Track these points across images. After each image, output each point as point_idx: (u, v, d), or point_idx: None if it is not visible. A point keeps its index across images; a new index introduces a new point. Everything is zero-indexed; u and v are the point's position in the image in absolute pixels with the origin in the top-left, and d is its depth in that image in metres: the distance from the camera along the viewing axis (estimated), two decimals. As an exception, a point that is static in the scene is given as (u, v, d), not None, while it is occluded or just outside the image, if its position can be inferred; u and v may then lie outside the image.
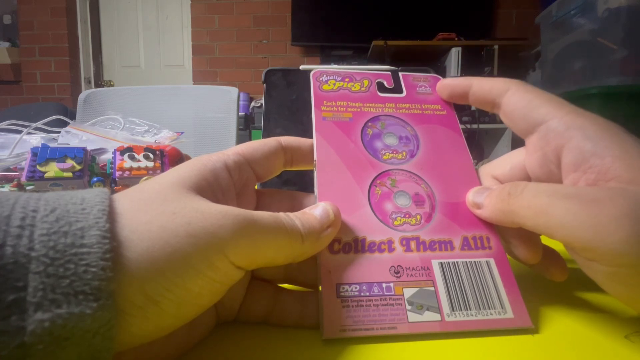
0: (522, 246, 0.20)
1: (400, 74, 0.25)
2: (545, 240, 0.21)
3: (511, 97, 0.22)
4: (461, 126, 0.24)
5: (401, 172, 0.22)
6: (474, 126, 2.02)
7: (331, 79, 0.24)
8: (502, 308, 0.18)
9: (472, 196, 0.21)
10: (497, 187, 0.20)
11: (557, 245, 0.21)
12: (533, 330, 0.18)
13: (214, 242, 0.14)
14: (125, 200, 0.14)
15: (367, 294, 0.18)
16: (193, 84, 2.66)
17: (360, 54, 2.49)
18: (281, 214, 0.17)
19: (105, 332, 0.11)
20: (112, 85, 2.85)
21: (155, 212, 0.14)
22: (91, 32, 2.82)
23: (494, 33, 2.53)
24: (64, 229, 0.11)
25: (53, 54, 2.68)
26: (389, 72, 0.25)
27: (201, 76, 2.73)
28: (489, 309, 0.18)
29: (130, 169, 0.43)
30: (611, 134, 0.18)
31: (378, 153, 0.22)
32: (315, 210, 0.18)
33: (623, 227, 0.15)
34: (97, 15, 2.87)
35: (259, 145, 0.20)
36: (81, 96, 1.12)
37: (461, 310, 0.18)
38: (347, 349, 0.16)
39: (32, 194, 0.13)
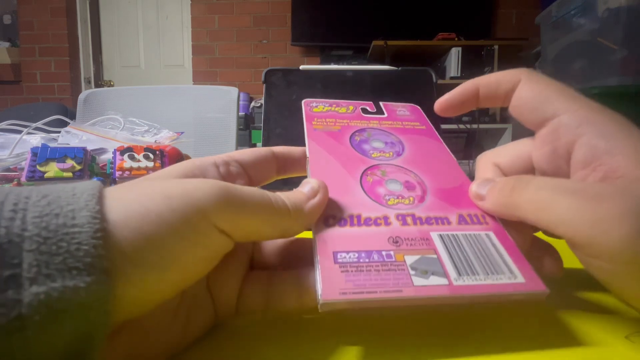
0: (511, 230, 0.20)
1: (380, 103, 0.29)
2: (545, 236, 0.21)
3: (521, 89, 0.21)
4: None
5: (390, 166, 0.23)
6: (474, 126, 2.02)
7: (320, 105, 0.28)
8: (512, 273, 0.17)
9: (475, 187, 0.21)
10: (500, 179, 0.20)
11: (558, 243, 0.21)
12: (547, 294, 0.17)
13: (191, 203, 0.14)
14: (115, 187, 0.15)
15: (367, 260, 0.17)
16: (193, 84, 2.66)
17: (360, 54, 2.49)
18: (267, 192, 0.17)
19: (101, 306, 0.12)
20: (112, 85, 2.85)
21: (138, 187, 0.14)
22: (91, 32, 2.82)
23: (494, 33, 2.53)
24: (55, 211, 0.12)
25: (53, 54, 2.68)
26: (371, 102, 0.29)
27: (201, 76, 2.73)
28: (498, 274, 0.17)
29: (130, 169, 0.43)
30: (624, 131, 0.17)
31: (367, 153, 0.24)
32: (303, 188, 0.19)
33: (625, 224, 0.15)
34: (97, 15, 2.87)
35: (249, 149, 0.21)
36: (81, 96, 1.12)
37: (468, 275, 0.17)
38: (349, 349, 0.16)
39: (26, 187, 0.13)
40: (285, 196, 0.18)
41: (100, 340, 0.12)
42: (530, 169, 0.21)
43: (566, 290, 0.22)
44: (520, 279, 0.17)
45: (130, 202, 0.13)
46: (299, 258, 0.20)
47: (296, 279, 0.18)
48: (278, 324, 0.19)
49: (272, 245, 0.21)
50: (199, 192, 0.14)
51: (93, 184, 0.14)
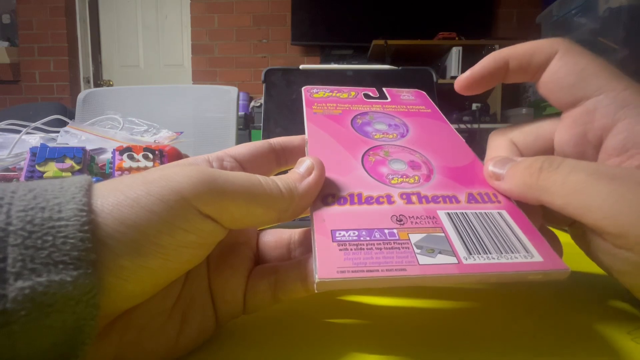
0: None
1: (384, 89, 0.28)
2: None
3: (557, 62, 0.19)
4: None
5: (394, 146, 0.22)
6: (474, 126, 2.02)
7: (321, 91, 0.26)
8: (527, 252, 0.16)
9: (492, 166, 0.19)
10: (523, 159, 0.18)
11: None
12: (569, 273, 0.15)
13: (168, 186, 0.14)
14: (103, 182, 0.14)
15: (368, 238, 0.16)
16: (193, 84, 2.65)
17: (361, 54, 2.48)
18: (257, 175, 0.17)
19: (89, 299, 0.11)
20: (111, 85, 2.84)
21: (122, 179, 0.14)
22: (90, 32, 2.81)
23: (495, 32, 2.53)
24: (41, 204, 0.12)
25: (52, 54, 2.68)
26: (374, 88, 0.28)
27: (201, 76, 2.73)
28: (512, 253, 0.16)
29: (130, 169, 0.43)
30: None
31: (369, 134, 0.23)
32: (298, 168, 0.18)
33: None
34: (96, 15, 2.86)
35: (245, 144, 0.20)
36: (80, 96, 1.12)
37: (480, 254, 0.16)
38: (354, 355, 0.16)
39: (15, 182, 0.13)
40: (278, 178, 0.17)
41: (91, 334, 0.12)
42: (550, 152, 0.20)
43: (566, 288, 0.22)
44: (537, 257, 0.16)
45: (114, 192, 0.13)
46: (307, 249, 0.19)
47: (299, 263, 0.18)
48: (276, 327, 0.19)
49: (279, 238, 0.21)
50: (177, 176, 0.14)
51: (82, 177, 0.14)
